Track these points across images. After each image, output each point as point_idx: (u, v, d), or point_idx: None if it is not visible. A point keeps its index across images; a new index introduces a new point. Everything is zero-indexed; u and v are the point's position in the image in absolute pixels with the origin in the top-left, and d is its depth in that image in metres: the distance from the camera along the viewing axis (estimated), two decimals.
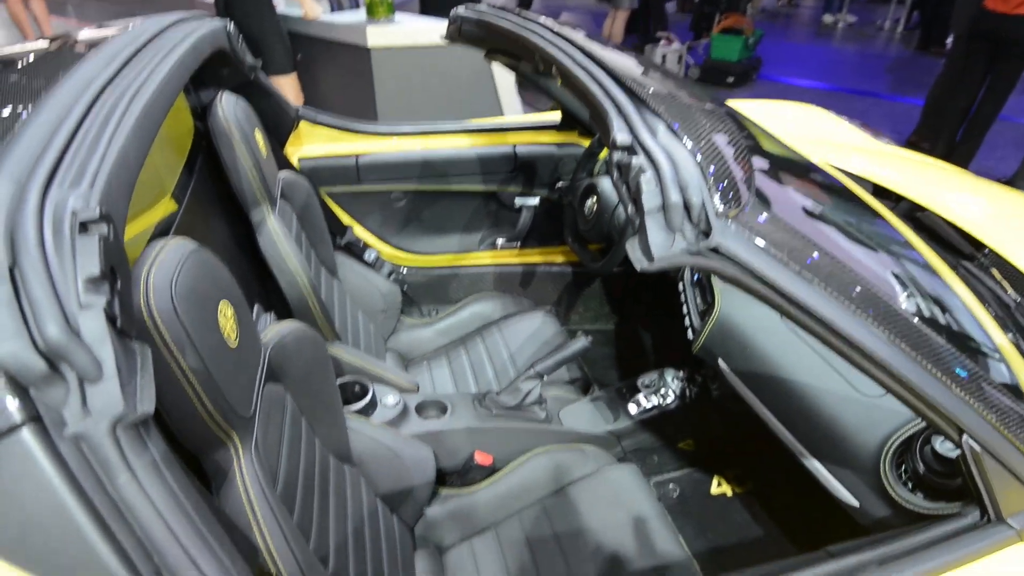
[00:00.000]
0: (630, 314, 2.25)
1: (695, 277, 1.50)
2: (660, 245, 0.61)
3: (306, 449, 0.99)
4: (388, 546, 1.16)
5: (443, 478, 1.44)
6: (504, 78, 3.45)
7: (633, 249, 0.63)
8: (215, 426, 0.73)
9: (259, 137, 1.38)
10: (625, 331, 2.25)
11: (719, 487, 1.67)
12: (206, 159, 1.40)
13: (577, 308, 2.26)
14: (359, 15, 3.53)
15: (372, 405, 1.37)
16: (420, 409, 1.45)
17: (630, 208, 0.66)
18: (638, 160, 0.67)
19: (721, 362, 1.31)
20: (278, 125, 1.71)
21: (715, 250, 0.63)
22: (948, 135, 3.71)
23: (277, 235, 1.34)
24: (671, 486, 1.67)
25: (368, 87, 3.41)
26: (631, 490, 1.35)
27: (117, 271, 0.55)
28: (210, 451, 0.74)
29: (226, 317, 0.78)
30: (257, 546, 0.71)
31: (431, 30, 3.30)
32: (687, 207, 0.62)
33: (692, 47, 6.15)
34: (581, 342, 1.45)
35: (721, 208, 0.63)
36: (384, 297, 1.90)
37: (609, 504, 1.31)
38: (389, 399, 1.40)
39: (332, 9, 3.86)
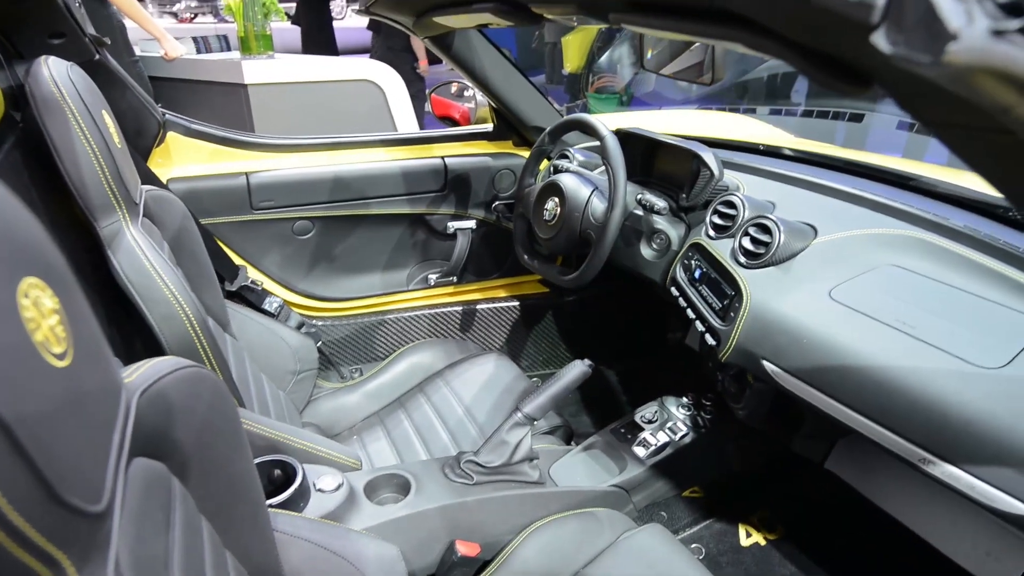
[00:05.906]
0: (591, 348, 1.94)
1: (696, 273, 1.23)
2: (955, 11, 0.29)
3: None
4: None
5: None
6: (402, 110, 3.15)
7: (898, 43, 0.31)
8: (12, 543, 0.29)
9: (108, 121, 0.95)
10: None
11: (749, 537, 1.35)
12: (22, 148, 0.93)
13: (527, 350, 1.92)
14: (232, 54, 3.16)
15: (303, 493, 0.92)
16: (371, 490, 1.02)
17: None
18: None
19: (767, 364, 1.02)
20: (139, 130, 1.27)
21: None
22: None
23: (141, 250, 0.89)
24: (693, 546, 1.33)
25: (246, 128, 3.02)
26: (667, 557, 1.00)
27: None
28: None
29: (37, 306, 0.36)
30: None
31: (315, 65, 2.98)
32: None
33: (571, 108, 6.33)
34: (579, 367, 1.11)
35: None
36: (295, 354, 1.45)
37: None
38: (326, 481, 0.96)
39: (199, 51, 3.44)
